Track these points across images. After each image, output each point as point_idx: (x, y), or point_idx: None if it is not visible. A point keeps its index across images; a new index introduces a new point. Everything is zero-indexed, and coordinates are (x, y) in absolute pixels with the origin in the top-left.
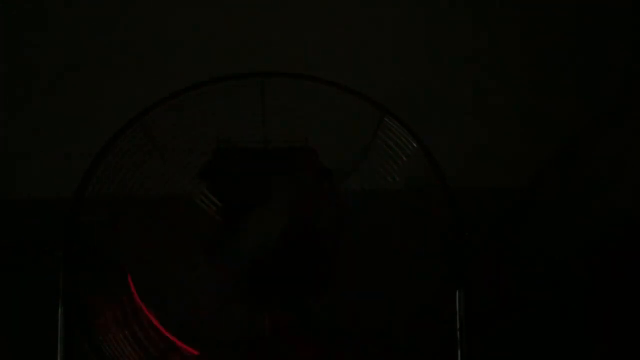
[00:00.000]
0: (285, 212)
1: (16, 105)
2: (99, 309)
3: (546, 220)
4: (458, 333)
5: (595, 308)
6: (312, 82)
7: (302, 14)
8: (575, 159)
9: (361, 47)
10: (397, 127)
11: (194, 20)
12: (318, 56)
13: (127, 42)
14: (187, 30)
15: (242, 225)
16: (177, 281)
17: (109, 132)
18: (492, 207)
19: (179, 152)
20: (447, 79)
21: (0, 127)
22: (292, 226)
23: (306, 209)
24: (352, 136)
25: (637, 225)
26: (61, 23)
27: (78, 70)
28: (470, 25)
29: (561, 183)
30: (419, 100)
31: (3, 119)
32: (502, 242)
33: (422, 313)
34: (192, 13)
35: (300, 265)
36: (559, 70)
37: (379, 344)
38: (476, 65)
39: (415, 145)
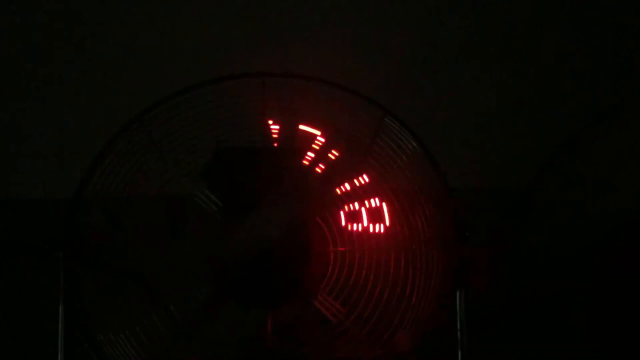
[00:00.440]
0: (285, 212)
1: (16, 105)
2: (99, 308)
3: (546, 220)
4: (458, 333)
5: (595, 308)
6: (312, 82)
7: (303, 14)
8: (575, 159)
9: (361, 47)
10: (397, 127)
11: (194, 20)
12: (318, 56)
13: (127, 42)
14: (188, 30)
15: (243, 225)
16: (177, 281)
17: (109, 132)
18: (492, 207)
19: (179, 152)
20: (447, 79)
21: (1, 127)
22: (291, 226)
23: (306, 209)
24: (352, 136)
25: (637, 225)
26: (61, 23)
27: (78, 70)
28: (470, 25)
29: (561, 183)
30: (419, 100)
31: (3, 119)
32: (502, 242)
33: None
34: (192, 13)
35: (299, 265)
36: (559, 70)
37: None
38: (476, 65)
39: (414, 145)
